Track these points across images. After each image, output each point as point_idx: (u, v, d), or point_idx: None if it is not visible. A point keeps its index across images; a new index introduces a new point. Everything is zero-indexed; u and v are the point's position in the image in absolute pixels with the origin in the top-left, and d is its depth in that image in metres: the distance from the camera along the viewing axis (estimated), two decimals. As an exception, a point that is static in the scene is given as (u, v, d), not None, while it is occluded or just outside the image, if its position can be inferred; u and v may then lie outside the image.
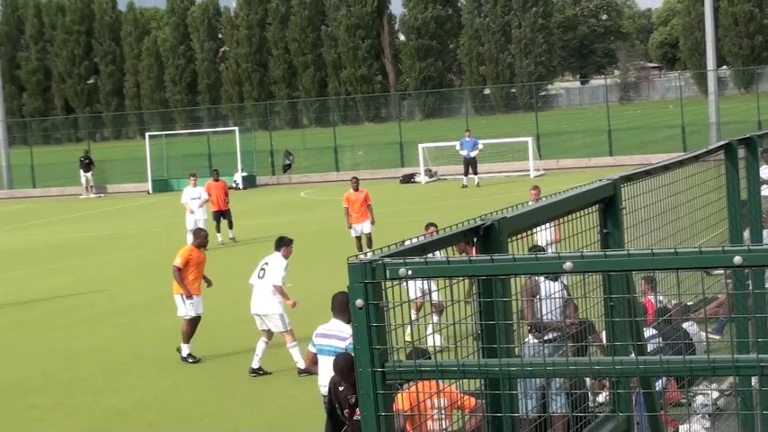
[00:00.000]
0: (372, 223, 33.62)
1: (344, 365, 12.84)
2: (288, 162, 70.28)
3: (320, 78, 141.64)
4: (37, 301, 30.72)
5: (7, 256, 37.38)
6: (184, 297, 22.38)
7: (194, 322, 22.51)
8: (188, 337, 22.36)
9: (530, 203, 23.29)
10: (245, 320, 25.99)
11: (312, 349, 15.23)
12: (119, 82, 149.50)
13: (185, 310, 22.42)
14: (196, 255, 22.98)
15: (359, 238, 33.39)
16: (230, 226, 39.93)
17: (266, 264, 21.37)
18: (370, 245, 31.57)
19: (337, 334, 14.82)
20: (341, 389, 12.93)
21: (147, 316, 27.31)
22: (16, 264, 37.63)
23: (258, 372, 20.55)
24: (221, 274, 31.94)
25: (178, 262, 22.66)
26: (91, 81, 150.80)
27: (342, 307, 14.67)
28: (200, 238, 23.47)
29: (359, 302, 5.38)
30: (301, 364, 20.16)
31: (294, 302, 21.17)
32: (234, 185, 61.73)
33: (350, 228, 33.90)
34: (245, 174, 65.83)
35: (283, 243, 21.78)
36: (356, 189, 33.99)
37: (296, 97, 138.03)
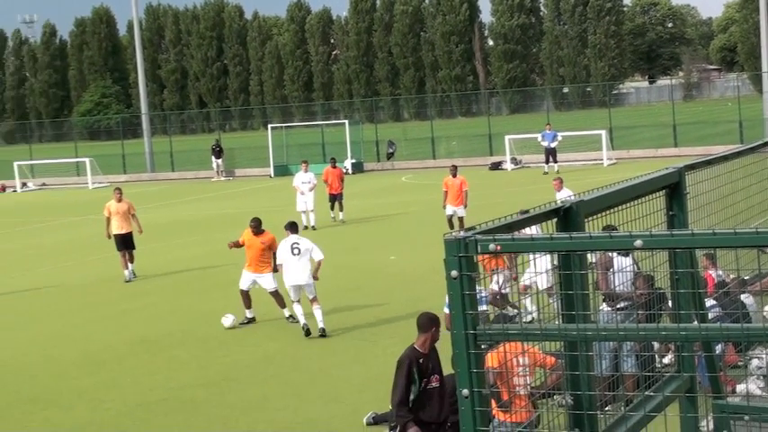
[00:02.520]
0: (465, 207, 33.52)
1: (424, 322, 12.88)
2: (391, 151, 70.37)
3: (419, 78, 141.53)
4: (176, 270, 31.13)
5: (150, 231, 37.72)
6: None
7: (274, 294, 22.92)
8: (247, 304, 23.16)
9: (556, 194, 22.78)
10: (350, 288, 26.18)
11: (446, 310, 15.00)
12: (245, 81, 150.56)
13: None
14: (248, 238, 23.07)
15: (451, 217, 33.24)
16: (341, 208, 39.99)
17: (297, 243, 21.49)
18: (462, 227, 31.10)
19: None
20: (421, 361, 12.77)
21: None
22: (158, 237, 38.05)
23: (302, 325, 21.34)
24: (334, 248, 32.06)
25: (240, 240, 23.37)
26: (221, 80, 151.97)
27: None
28: (250, 226, 23.17)
29: (454, 273, 5.38)
30: (322, 324, 21.10)
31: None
32: (344, 171, 61.94)
33: (444, 207, 33.84)
34: (353, 161, 65.98)
35: (296, 225, 22.59)
36: (454, 175, 33.91)
37: (398, 94, 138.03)
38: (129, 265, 29.99)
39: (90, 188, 67.85)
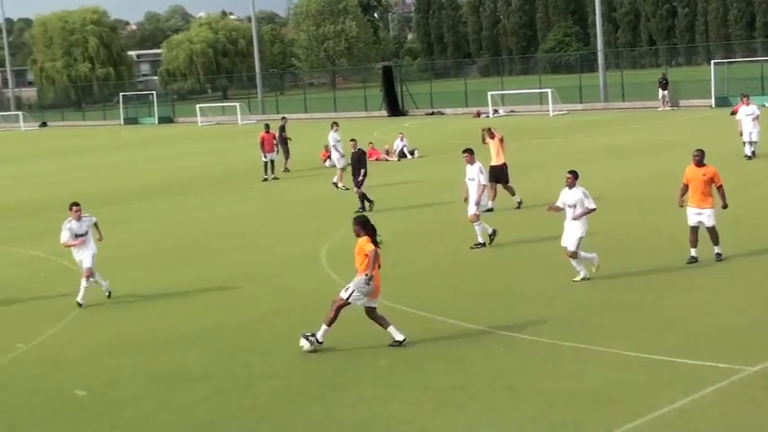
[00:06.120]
0: None
1: None
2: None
3: None
4: (623, 190, 30.39)
5: (599, 152, 37.08)
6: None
7: (710, 230, 19.48)
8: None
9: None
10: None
11: None
12: (691, 21, 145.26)
13: None
14: (690, 171, 19.31)
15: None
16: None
17: None
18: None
19: None
20: None
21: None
22: (604, 159, 37.38)
23: None
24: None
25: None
26: (669, 20, 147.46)
27: None
28: (693, 157, 19.46)
29: None
30: None
31: None
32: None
33: None
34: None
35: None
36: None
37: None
38: (492, 201, 26.69)
39: (550, 115, 68.35)
